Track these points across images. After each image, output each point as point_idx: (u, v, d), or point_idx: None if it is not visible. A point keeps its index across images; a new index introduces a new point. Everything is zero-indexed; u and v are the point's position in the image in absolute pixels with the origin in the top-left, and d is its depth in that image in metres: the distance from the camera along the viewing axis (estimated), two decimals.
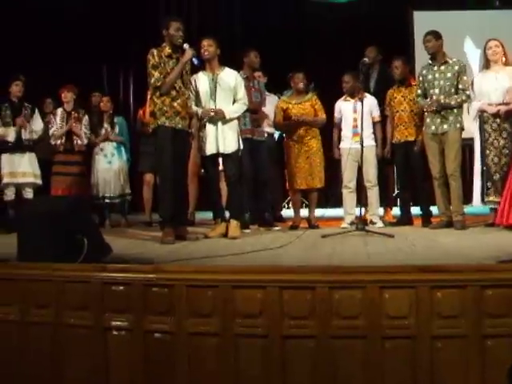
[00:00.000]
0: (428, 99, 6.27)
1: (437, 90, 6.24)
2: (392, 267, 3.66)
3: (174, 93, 5.59)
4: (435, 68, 6.31)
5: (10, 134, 7.10)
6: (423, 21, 10.08)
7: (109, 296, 3.75)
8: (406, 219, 6.87)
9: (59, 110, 7.59)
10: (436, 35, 6.32)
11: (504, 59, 6.18)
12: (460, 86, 6.19)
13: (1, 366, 3.99)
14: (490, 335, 3.43)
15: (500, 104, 6.10)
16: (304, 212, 7.14)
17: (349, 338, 3.44)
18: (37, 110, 7.43)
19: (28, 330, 3.93)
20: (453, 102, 6.16)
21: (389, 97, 6.88)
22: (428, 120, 6.32)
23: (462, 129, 6.27)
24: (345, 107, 6.86)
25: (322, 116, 6.87)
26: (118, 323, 3.74)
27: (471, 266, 3.68)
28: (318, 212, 6.94)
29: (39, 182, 7.29)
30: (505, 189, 5.93)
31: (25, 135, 7.19)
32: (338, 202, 7.00)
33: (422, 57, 7.10)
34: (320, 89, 7.44)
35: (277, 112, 6.92)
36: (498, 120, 6.12)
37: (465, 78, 6.24)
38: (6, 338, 3.97)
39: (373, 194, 6.76)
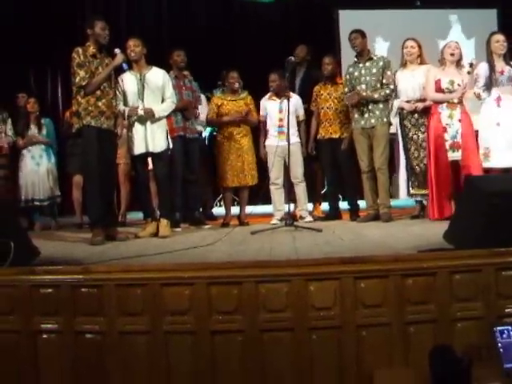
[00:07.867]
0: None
1: (363, 86, 6.42)
2: (316, 260, 3.77)
3: (98, 92, 5.53)
4: (361, 65, 6.49)
5: None
6: (349, 20, 10.25)
7: (37, 299, 3.71)
8: (334, 214, 7.00)
9: None
10: (361, 33, 6.53)
11: (419, 59, 6.39)
12: (384, 81, 6.39)
13: None
14: (412, 322, 3.56)
15: (417, 101, 6.32)
16: (235, 210, 7.19)
17: (276, 330, 3.52)
18: None
19: None
20: (376, 96, 6.34)
21: (315, 93, 6.98)
22: (356, 115, 6.47)
23: (390, 124, 6.46)
24: (270, 106, 6.91)
25: (256, 116, 6.94)
26: (48, 326, 3.70)
27: (392, 256, 3.81)
28: (248, 209, 6.99)
29: None
30: (428, 184, 6.15)
31: None
32: (267, 199, 7.07)
33: (347, 57, 7.22)
34: (248, 88, 7.50)
35: (211, 108, 6.93)
36: (415, 115, 6.35)
37: (389, 73, 6.43)
38: None
39: (300, 190, 6.86)
